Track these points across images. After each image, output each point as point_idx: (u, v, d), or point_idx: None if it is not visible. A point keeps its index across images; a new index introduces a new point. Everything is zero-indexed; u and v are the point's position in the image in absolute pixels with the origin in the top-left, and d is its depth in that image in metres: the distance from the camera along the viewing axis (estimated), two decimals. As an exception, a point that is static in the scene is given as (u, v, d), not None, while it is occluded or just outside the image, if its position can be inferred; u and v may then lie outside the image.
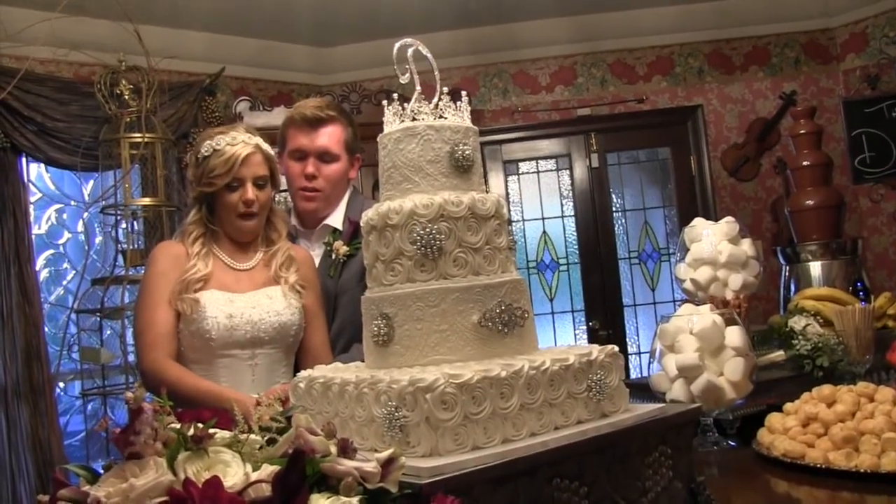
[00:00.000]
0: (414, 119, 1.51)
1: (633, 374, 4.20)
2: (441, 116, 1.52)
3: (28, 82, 4.03)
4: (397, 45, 1.54)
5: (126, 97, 4.00)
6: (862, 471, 1.57)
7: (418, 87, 1.53)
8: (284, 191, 2.69)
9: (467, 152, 1.50)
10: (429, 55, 1.55)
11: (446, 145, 1.49)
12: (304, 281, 2.23)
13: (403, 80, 1.55)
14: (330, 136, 2.40)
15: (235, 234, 2.21)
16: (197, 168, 2.16)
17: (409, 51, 1.54)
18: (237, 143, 2.13)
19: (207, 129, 2.27)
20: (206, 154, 2.13)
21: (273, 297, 2.17)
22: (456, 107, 1.54)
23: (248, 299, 2.14)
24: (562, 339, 5.06)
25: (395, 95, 1.55)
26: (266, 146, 2.21)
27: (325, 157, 2.40)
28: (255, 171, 2.15)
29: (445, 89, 1.54)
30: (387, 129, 1.53)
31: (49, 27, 3.88)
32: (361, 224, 1.54)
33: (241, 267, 2.21)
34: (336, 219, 2.45)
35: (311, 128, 2.39)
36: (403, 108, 1.51)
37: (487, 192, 1.54)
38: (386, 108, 1.54)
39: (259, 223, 2.22)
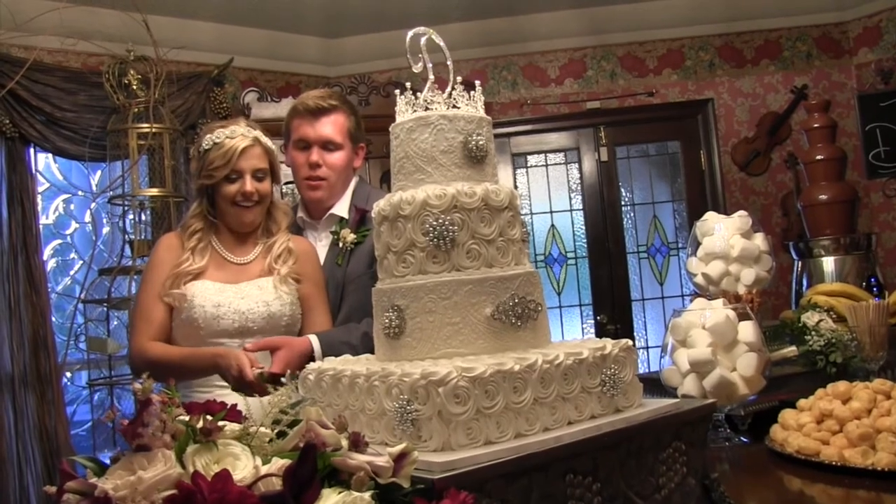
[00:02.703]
0: (427, 109, 1.49)
1: (641, 369, 4.17)
2: (454, 106, 1.50)
3: (36, 72, 4.01)
4: (410, 33, 1.53)
5: (134, 87, 3.99)
6: (879, 469, 1.54)
7: (431, 77, 1.51)
8: (291, 182, 2.69)
9: (481, 142, 1.48)
10: (442, 44, 1.54)
11: (460, 135, 1.47)
12: (301, 271, 2.25)
13: (416, 69, 1.53)
14: (333, 125, 2.41)
15: (235, 225, 2.25)
16: (198, 161, 2.22)
17: (422, 40, 1.52)
18: (236, 136, 2.18)
19: (210, 124, 2.33)
20: (206, 148, 2.18)
21: (263, 287, 2.20)
22: (469, 97, 1.52)
23: (237, 289, 2.18)
24: (569, 333, 5.04)
25: (407, 85, 1.54)
26: (265, 139, 2.24)
27: (328, 145, 2.41)
28: (254, 164, 2.19)
29: (459, 78, 1.51)
30: (399, 118, 1.52)
31: (58, 17, 3.87)
32: (373, 214, 1.52)
33: (238, 261, 2.26)
34: (342, 208, 2.46)
35: (313, 117, 2.41)
36: (416, 98, 1.50)
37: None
38: (398, 97, 1.52)
39: (259, 214, 2.25)
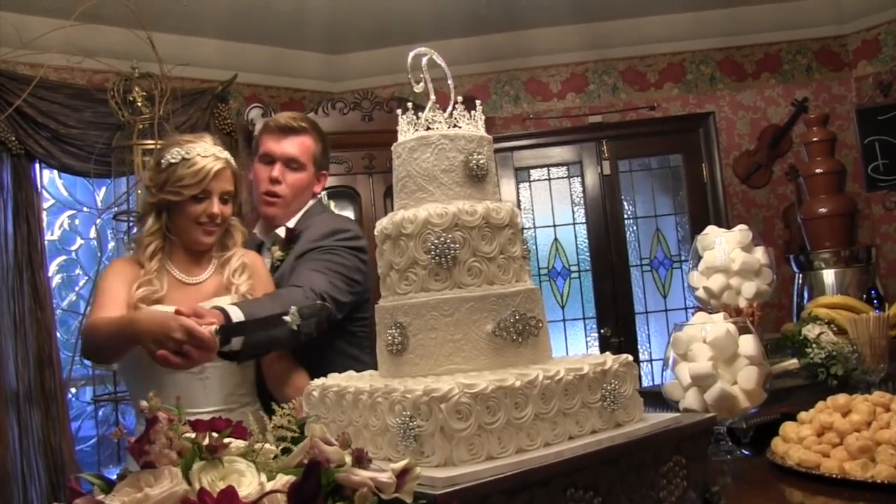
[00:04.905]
0: (428, 128, 1.51)
1: (645, 382, 4.17)
2: (455, 125, 1.53)
3: (42, 89, 4.04)
4: (412, 53, 1.55)
5: (139, 104, 4.02)
6: (879, 482, 1.55)
7: (433, 96, 1.54)
8: None
9: (482, 161, 1.50)
10: (443, 64, 1.56)
11: (461, 154, 1.49)
12: (256, 285, 2.22)
13: (418, 88, 1.55)
14: (299, 146, 2.45)
15: (192, 244, 2.19)
16: (160, 173, 2.12)
17: (424, 60, 1.54)
18: (208, 155, 2.12)
19: (174, 136, 2.25)
20: (173, 161, 2.10)
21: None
22: (470, 115, 1.54)
23: None
24: (573, 346, 5.04)
25: (410, 104, 1.56)
26: (233, 162, 2.22)
27: (291, 163, 2.44)
28: (223, 186, 2.16)
29: (460, 98, 1.54)
30: (401, 138, 1.54)
31: (64, 35, 3.90)
32: (375, 233, 1.54)
33: (192, 281, 2.19)
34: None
35: (281, 134, 2.45)
36: (418, 117, 1.52)
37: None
38: (400, 117, 1.55)
39: (219, 236, 2.22)
